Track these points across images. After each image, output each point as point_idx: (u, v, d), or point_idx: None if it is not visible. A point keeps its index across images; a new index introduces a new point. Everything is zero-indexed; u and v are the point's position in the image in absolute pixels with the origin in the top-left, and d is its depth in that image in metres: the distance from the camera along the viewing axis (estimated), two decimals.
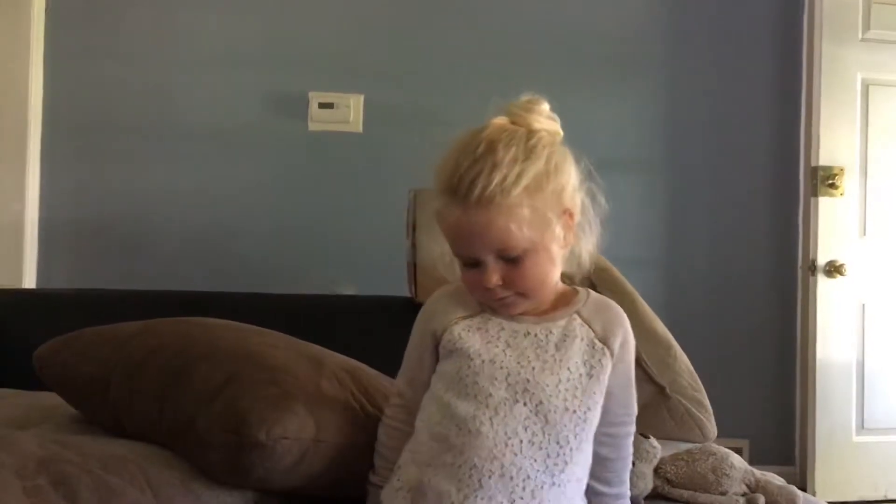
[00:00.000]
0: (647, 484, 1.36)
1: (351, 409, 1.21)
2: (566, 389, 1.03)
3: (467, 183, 0.98)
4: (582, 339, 1.06)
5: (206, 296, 2.33)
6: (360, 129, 2.96)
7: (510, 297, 1.04)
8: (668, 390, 1.89)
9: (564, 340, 1.06)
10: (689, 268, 3.15)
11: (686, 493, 1.37)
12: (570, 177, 1.06)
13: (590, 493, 1.11)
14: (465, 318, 1.08)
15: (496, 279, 1.02)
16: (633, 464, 1.32)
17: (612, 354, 1.07)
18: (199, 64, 2.92)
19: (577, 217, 1.07)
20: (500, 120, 1.04)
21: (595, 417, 1.06)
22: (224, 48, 2.94)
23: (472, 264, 1.03)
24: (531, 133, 1.03)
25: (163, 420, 1.20)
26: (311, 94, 2.94)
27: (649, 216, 3.12)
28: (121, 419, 1.28)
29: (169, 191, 2.89)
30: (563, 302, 1.10)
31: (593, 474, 1.11)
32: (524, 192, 0.99)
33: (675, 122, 3.17)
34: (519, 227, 0.99)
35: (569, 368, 1.04)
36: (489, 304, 1.07)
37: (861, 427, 3.03)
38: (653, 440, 1.39)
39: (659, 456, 1.39)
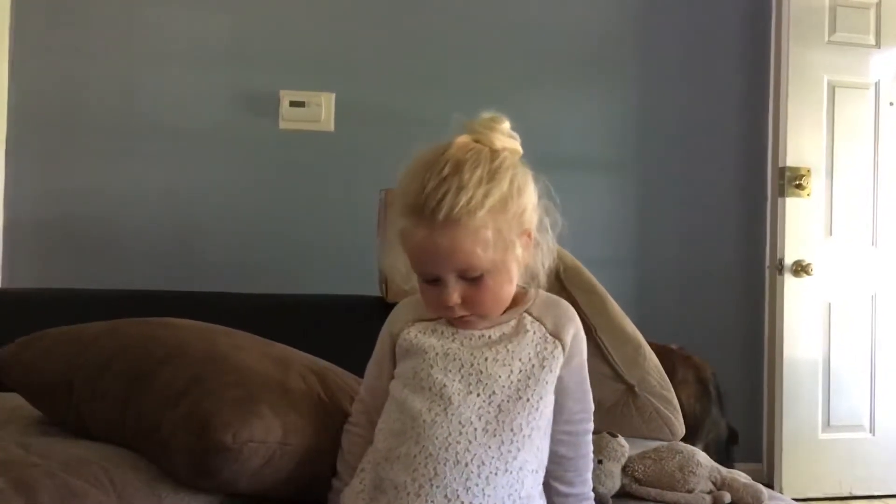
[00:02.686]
0: (615, 482, 1.36)
1: (317, 411, 1.20)
2: (518, 379, 1.06)
3: (433, 203, 0.99)
4: (534, 333, 1.09)
5: (175, 295, 2.30)
6: (331, 127, 2.95)
7: (468, 316, 1.06)
8: (636, 388, 1.91)
9: (516, 335, 1.08)
10: (658, 267, 3.17)
11: (653, 492, 1.37)
12: (531, 197, 1.08)
13: (553, 493, 1.12)
14: (421, 321, 1.11)
15: (456, 297, 1.03)
16: (601, 462, 1.34)
17: (564, 347, 1.09)
18: (167, 61, 2.89)
19: (535, 235, 1.09)
20: (464, 139, 1.05)
21: (547, 407, 1.08)
22: (193, 45, 2.91)
23: (432, 281, 1.05)
24: (495, 153, 1.04)
25: (127, 422, 1.18)
26: (282, 93, 2.92)
27: (619, 216, 3.15)
28: (84, 421, 1.26)
29: (136, 190, 2.85)
30: (512, 304, 1.12)
31: (554, 475, 1.12)
32: (489, 213, 1.01)
33: (645, 122, 3.19)
34: (484, 250, 1.01)
35: (520, 359, 1.07)
36: (446, 319, 1.10)
37: (826, 425, 3.08)
38: (621, 439, 1.40)
39: (627, 454, 1.40)
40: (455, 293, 1.03)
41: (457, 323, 1.08)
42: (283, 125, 2.94)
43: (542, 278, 1.12)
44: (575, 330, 1.11)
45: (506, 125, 1.09)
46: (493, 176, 1.02)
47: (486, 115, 1.09)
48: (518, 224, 1.05)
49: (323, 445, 1.17)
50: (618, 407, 1.89)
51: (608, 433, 1.39)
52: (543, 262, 1.11)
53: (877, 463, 3.10)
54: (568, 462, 1.13)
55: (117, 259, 2.80)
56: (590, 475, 1.16)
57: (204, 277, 2.68)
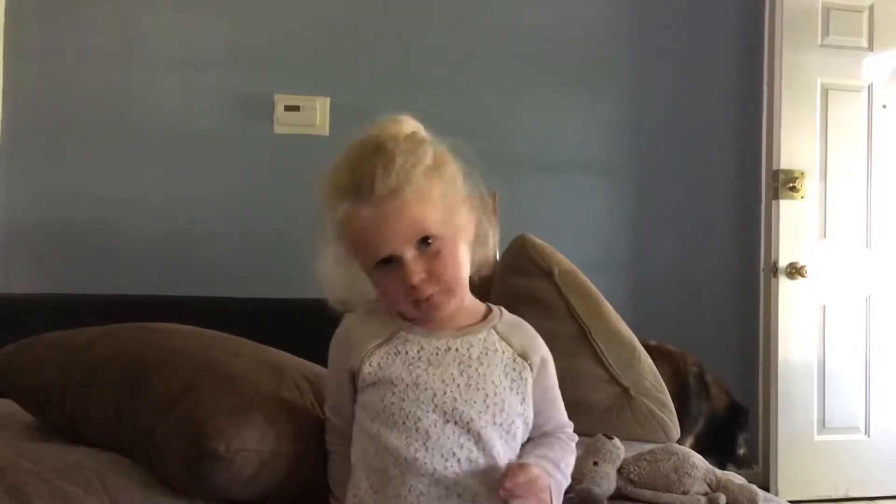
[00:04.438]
0: (611, 484, 1.36)
1: (310, 419, 1.19)
2: (494, 404, 1.03)
3: (369, 181, 0.97)
4: (502, 353, 1.06)
5: (169, 300, 2.31)
6: (326, 131, 2.95)
7: (436, 294, 1.01)
8: (632, 391, 1.91)
9: (486, 354, 1.05)
10: (653, 270, 3.18)
11: (649, 493, 1.37)
12: (457, 166, 1.06)
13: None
14: (380, 345, 1.05)
15: (419, 272, 0.99)
16: (597, 464, 1.34)
17: (532, 368, 1.07)
18: (162, 65, 2.89)
19: (476, 206, 1.07)
20: (374, 130, 1.06)
21: (519, 431, 1.06)
22: (188, 49, 2.91)
23: (390, 266, 1.00)
24: (410, 134, 1.05)
25: (120, 429, 1.18)
26: (276, 97, 2.92)
27: (614, 219, 3.15)
28: (78, 426, 1.26)
29: (131, 194, 2.85)
30: (479, 317, 1.10)
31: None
32: (425, 177, 1.00)
33: (640, 125, 3.20)
34: (433, 210, 0.99)
35: (493, 382, 1.04)
36: (412, 313, 1.04)
37: (822, 427, 3.08)
38: (616, 441, 1.40)
39: (622, 456, 1.40)
40: (417, 267, 0.99)
41: (425, 310, 1.03)
42: (277, 129, 2.94)
43: (491, 247, 1.09)
44: (542, 354, 1.10)
45: (412, 120, 1.09)
46: (414, 148, 1.02)
47: (386, 117, 1.09)
48: (455, 190, 1.04)
49: (315, 453, 1.16)
50: (613, 410, 1.89)
51: (603, 435, 1.39)
52: (493, 235, 1.09)
53: (872, 464, 3.10)
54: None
55: (112, 263, 2.79)
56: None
57: (198, 281, 2.68)
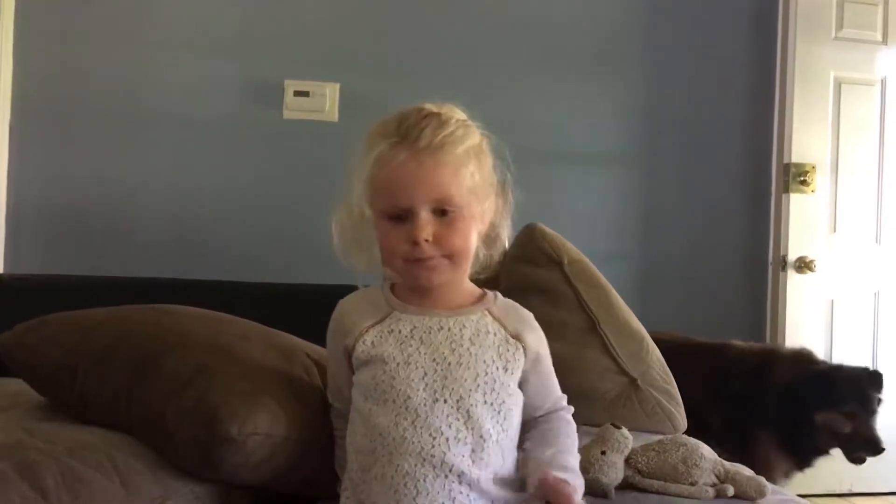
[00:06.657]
0: (619, 474, 1.36)
1: (319, 404, 1.20)
2: (485, 383, 1.03)
3: (416, 132, 1.00)
4: (495, 335, 1.07)
5: (178, 283, 2.31)
6: (335, 117, 2.94)
7: (436, 258, 1.02)
8: (639, 382, 1.91)
9: (478, 335, 1.06)
10: (662, 262, 3.17)
11: (657, 484, 1.37)
12: (494, 161, 1.09)
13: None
14: (374, 325, 1.07)
15: (428, 231, 1.00)
16: (605, 453, 1.34)
17: (525, 349, 1.08)
18: (173, 50, 2.88)
19: (500, 204, 1.10)
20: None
21: (511, 412, 1.06)
22: (199, 34, 2.90)
23: (401, 220, 1.01)
24: (464, 119, 1.08)
25: (130, 410, 1.19)
26: (286, 82, 2.91)
27: (623, 210, 3.14)
28: (88, 406, 1.26)
29: (141, 177, 2.85)
30: (474, 299, 1.11)
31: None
32: (469, 152, 1.03)
33: (651, 117, 3.18)
34: (463, 181, 1.01)
35: (485, 361, 1.04)
36: (405, 272, 1.05)
37: None
38: (624, 430, 1.39)
39: (630, 446, 1.40)
40: (428, 226, 1.00)
41: (421, 271, 1.03)
42: (287, 115, 2.93)
43: (504, 242, 1.11)
44: (537, 335, 1.10)
45: (461, 110, 1.10)
46: (467, 126, 1.05)
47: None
48: (489, 178, 1.06)
49: (324, 439, 1.17)
50: (620, 400, 1.89)
51: (612, 425, 1.39)
52: (505, 228, 1.11)
53: (877, 460, 3.06)
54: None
55: (121, 246, 2.80)
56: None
57: (207, 266, 2.68)
